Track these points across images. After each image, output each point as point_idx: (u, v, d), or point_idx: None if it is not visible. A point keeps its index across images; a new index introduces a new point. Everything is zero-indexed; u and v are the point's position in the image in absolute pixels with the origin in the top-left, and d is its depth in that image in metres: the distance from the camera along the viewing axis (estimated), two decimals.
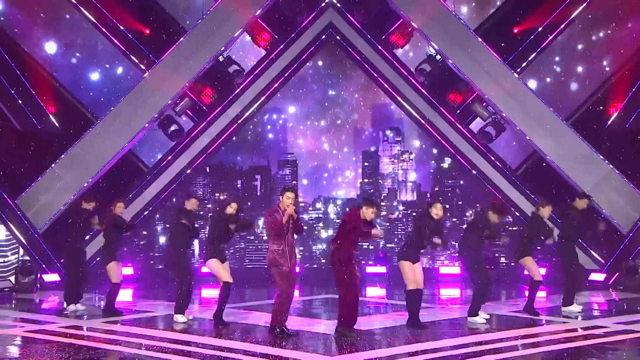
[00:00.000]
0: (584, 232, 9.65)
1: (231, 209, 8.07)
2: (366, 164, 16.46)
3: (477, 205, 12.86)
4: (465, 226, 9.56)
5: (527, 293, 9.21)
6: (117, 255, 9.07)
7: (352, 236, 7.22)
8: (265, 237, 14.17)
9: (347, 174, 17.02)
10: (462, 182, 15.45)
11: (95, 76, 15.21)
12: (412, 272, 7.80)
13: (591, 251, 12.65)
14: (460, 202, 15.45)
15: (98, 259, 11.21)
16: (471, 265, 8.22)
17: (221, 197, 14.91)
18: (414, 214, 14.70)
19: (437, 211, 7.74)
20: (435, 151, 16.05)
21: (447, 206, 15.52)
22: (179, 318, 8.33)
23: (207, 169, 15.59)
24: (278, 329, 7.22)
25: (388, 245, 15.59)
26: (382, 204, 16.03)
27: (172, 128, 13.43)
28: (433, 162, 16.23)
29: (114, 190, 13.14)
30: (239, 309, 9.59)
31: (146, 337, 7.41)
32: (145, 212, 13.62)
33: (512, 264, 14.14)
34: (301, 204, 15.62)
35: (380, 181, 16.51)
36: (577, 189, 11.96)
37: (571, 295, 9.26)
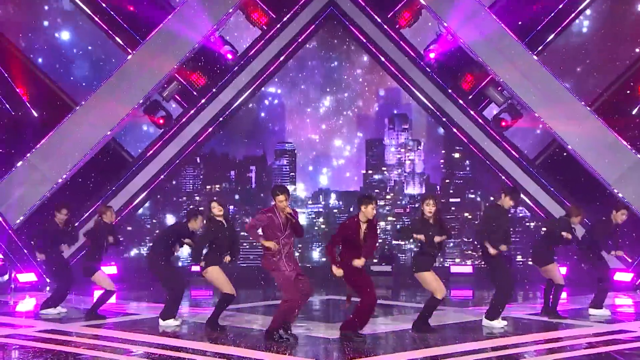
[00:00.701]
0: (611, 244, 9.43)
1: (215, 209, 7.96)
2: (370, 153, 16.70)
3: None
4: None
5: (550, 297, 9.20)
6: (99, 264, 9.10)
7: (349, 246, 7.20)
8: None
9: (349, 164, 17.14)
10: (474, 173, 15.67)
11: (76, 58, 15.32)
12: (437, 281, 7.80)
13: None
14: (472, 196, 15.73)
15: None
16: (495, 264, 8.17)
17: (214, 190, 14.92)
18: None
19: (429, 208, 7.66)
20: (445, 140, 16.25)
21: (458, 199, 15.89)
22: (169, 322, 8.35)
23: (198, 159, 15.84)
24: (276, 333, 7.24)
25: (394, 242, 15.85)
26: (388, 197, 16.25)
27: (159, 114, 13.52)
28: (443, 151, 16.49)
29: (94, 183, 13.25)
30: (231, 310, 9.57)
31: (132, 342, 7.43)
32: (130, 206, 13.65)
33: (530, 263, 14.21)
34: (299, 195, 15.55)
35: (385, 172, 16.74)
36: (602, 183, 11.97)
37: (602, 299, 9.29)
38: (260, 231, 7.12)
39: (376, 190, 16.30)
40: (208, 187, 15.83)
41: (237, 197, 15.16)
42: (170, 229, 8.66)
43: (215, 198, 8.22)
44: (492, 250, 7.86)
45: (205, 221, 7.99)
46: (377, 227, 7.51)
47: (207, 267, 7.90)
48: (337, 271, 7.06)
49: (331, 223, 16.09)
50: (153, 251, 8.36)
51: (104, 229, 8.99)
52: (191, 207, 8.84)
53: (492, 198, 13.30)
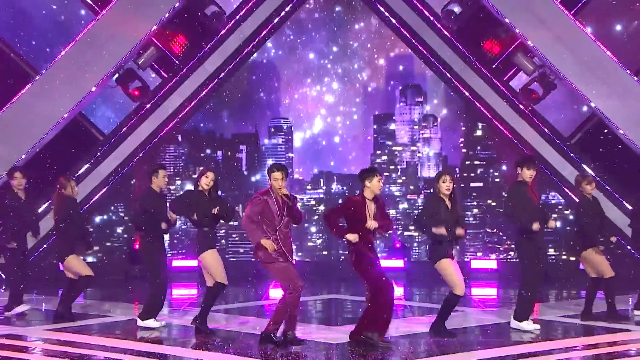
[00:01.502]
0: None
1: (206, 179, 8.08)
2: (379, 131, 16.56)
3: None
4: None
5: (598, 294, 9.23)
6: (74, 247, 9.10)
7: (358, 228, 7.28)
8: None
9: (354, 144, 17.08)
10: (500, 154, 15.54)
11: (38, 20, 14.99)
12: (457, 273, 7.83)
13: None
14: (497, 180, 15.54)
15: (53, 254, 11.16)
16: (524, 252, 8.21)
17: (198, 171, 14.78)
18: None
19: (446, 185, 7.71)
20: (466, 115, 16.10)
21: (481, 184, 15.77)
22: (149, 323, 8.41)
23: (179, 137, 15.66)
24: (273, 337, 7.31)
25: (406, 233, 15.77)
26: (399, 181, 16.19)
27: (135, 85, 13.43)
28: (463, 128, 16.25)
29: (59, 165, 13.18)
30: (219, 312, 9.63)
31: (103, 348, 7.45)
32: (101, 192, 13.67)
33: (564, 255, 14.27)
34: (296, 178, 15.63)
35: (396, 153, 16.55)
36: None
37: None
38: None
39: (385, 174, 16.29)
40: (191, 169, 15.73)
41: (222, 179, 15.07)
42: (138, 203, 8.65)
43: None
44: (535, 226, 7.86)
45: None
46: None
47: (202, 252, 8.00)
48: (353, 236, 7.16)
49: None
50: (137, 228, 8.52)
51: (67, 204, 8.92)
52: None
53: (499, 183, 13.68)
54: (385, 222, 7.42)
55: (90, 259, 13.48)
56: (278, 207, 7.18)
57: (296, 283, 7.19)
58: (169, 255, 13.96)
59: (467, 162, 15.94)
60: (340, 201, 15.44)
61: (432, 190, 7.97)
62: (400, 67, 16.89)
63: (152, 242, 8.30)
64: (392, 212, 16.10)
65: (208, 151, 16.05)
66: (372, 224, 7.22)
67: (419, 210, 7.88)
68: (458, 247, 14.53)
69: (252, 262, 14.03)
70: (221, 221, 8.25)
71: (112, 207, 15.04)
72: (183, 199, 8.32)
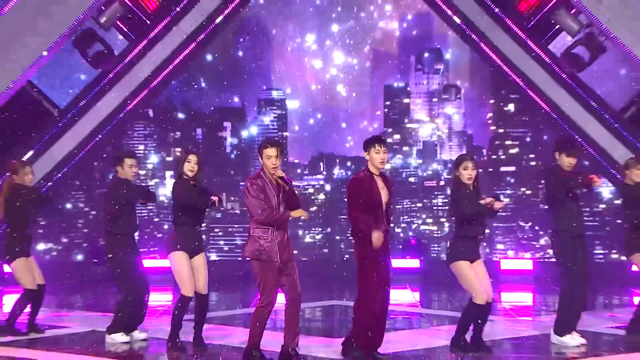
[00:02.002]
0: None
1: (189, 164, 8.04)
2: (390, 105, 16.50)
3: None
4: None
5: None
6: (27, 247, 8.98)
7: (368, 211, 7.30)
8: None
9: (361, 120, 17.02)
10: (536, 132, 15.52)
11: None
12: (478, 279, 7.78)
13: None
14: (532, 163, 15.56)
15: None
16: (562, 255, 8.16)
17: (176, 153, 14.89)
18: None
19: (468, 173, 7.69)
20: (495, 85, 16.11)
21: (513, 168, 15.72)
22: (116, 338, 8.41)
23: (150, 113, 15.74)
24: (255, 353, 7.27)
25: (423, 227, 15.87)
26: (414, 164, 16.20)
27: (96, 49, 13.38)
28: (492, 101, 16.16)
29: (2, 146, 13.16)
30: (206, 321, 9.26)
31: None
32: (55, 178, 13.69)
33: (614, 254, 14.43)
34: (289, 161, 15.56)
35: (411, 131, 16.48)
36: None
37: None
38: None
39: (398, 156, 16.21)
40: (164, 151, 15.70)
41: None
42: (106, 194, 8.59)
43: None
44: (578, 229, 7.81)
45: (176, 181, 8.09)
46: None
47: (171, 252, 8.00)
48: (377, 234, 7.20)
49: (336, 201, 16.05)
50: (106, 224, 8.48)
51: (18, 192, 8.84)
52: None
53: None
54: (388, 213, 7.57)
55: (44, 257, 13.49)
56: (274, 193, 7.16)
57: (270, 297, 7.15)
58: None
59: (497, 142, 15.96)
60: (342, 182, 15.84)
61: (451, 178, 7.94)
62: (417, 28, 16.95)
63: (122, 239, 8.38)
64: (405, 202, 16.19)
65: (185, 129, 16.07)
66: (378, 238, 7.25)
67: (455, 197, 7.73)
68: (485, 244, 14.59)
69: (238, 262, 14.49)
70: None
71: (70, 197, 15.02)
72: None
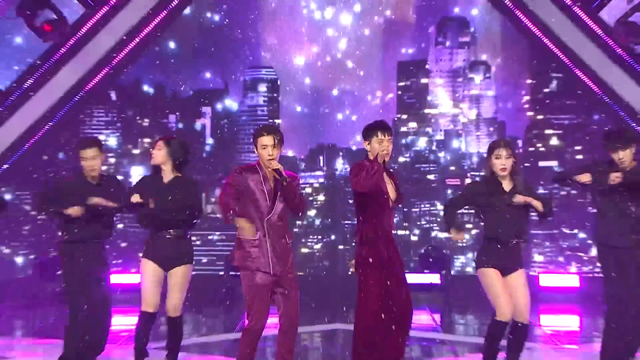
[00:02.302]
0: None
1: (159, 152, 7.81)
2: (405, 86, 16.48)
3: None
4: None
5: None
6: None
7: (373, 205, 7.23)
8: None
9: (370, 105, 16.91)
10: (585, 118, 15.45)
11: None
12: (503, 291, 7.56)
13: None
14: (579, 156, 15.59)
15: None
16: (603, 270, 8.02)
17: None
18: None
19: (501, 163, 7.53)
20: (531, 61, 16.17)
21: (555, 163, 15.46)
22: None
23: (113, 95, 15.63)
24: None
25: (443, 235, 15.78)
26: (431, 157, 16.19)
27: (45, 17, 13.00)
28: (529, 81, 16.13)
29: None
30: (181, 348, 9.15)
31: None
32: None
33: None
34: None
35: (430, 118, 16.51)
36: None
37: None
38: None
39: (414, 149, 16.16)
40: (129, 142, 15.61)
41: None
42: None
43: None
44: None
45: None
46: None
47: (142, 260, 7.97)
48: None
49: (338, 203, 15.97)
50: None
51: None
52: None
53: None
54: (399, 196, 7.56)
55: None
56: (267, 189, 7.01)
57: (257, 319, 7.01)
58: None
59: (535, 132, 16.01)
60: (345, 181, 15.38)
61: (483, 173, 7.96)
62: None
63: (76, 248, 8.10)
64: (423, 204, 16.16)
65: (155, 116, 16.07)
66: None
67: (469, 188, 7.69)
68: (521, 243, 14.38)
69: (220, 277, 14.16)
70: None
71: (14, 197, 14.82)
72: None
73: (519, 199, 7.36)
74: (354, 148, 16.45)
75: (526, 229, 7.62)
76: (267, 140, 6.96)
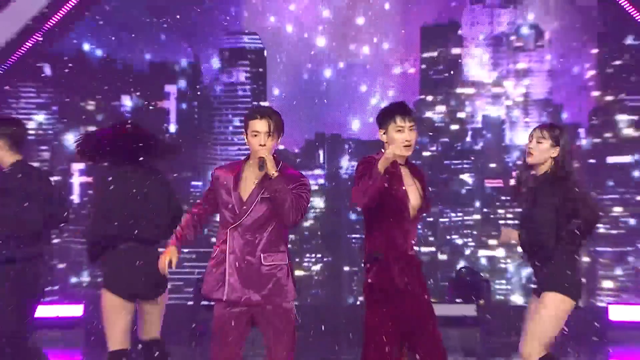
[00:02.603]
0: None
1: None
2: (430, 60, 16.25)
3: None
4: None
5: None
6: None
7: (385, 215, 6.96)
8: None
9: (385, 83, 16.66)
10: None
11: None
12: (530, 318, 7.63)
13: None
14: None
15: None
16: None
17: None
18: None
19: (530, 146, 7.36)
20: (600, 27, 15.66)
21: (630, 159, 15.73)
22: None
23: (47, 69, 15.41)
24: None
25: (482, 252, 15.89)
26: (468, 151, 16.17)
27: None
28: (596, 51, 15.95)
29: None
30: None
31: None
32: None
33: None
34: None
35: (464, 100, 16.61)
36: None
37: None
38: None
39: (442, 139, 15.85)
40: (70, 133, 15.08)
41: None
42: None
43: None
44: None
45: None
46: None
47: (103, 287, 8.06)
48: (391, 149, 6.86)
49: (342, 210, 15.82)
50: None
51: None
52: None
53: None
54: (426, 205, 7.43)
55: None
56: (240, 188, 6.79)
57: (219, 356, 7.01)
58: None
59: (602, 118, 15.64)
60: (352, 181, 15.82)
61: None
62: None
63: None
64: (456, 213, 16.02)
65: (104, 97, 15.73)
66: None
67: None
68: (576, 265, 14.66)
69: (190, 307, 14.29)
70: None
71: None
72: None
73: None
74: (363, 139, 16.18)
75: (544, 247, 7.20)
76: (259, 125, 6.75)
